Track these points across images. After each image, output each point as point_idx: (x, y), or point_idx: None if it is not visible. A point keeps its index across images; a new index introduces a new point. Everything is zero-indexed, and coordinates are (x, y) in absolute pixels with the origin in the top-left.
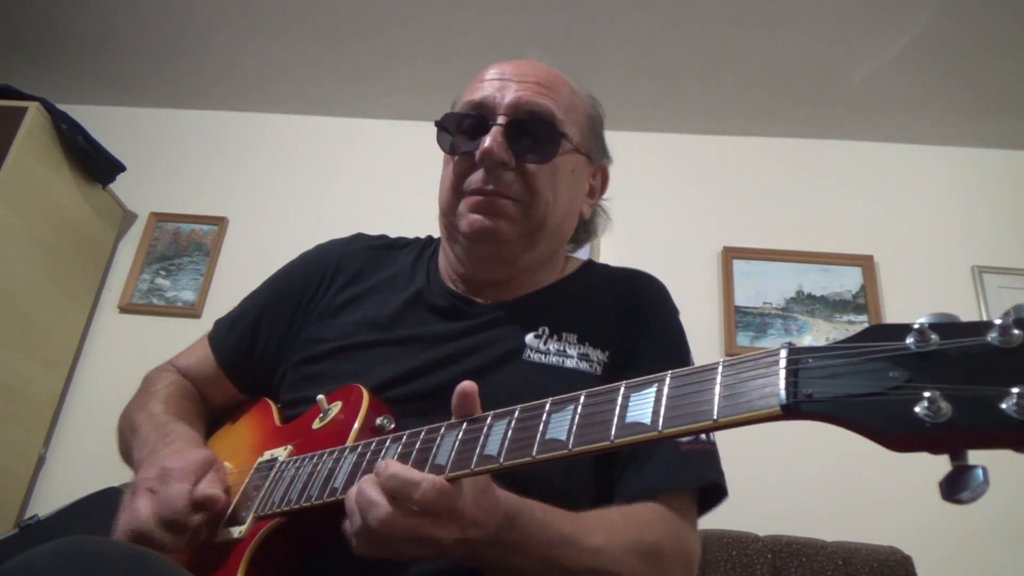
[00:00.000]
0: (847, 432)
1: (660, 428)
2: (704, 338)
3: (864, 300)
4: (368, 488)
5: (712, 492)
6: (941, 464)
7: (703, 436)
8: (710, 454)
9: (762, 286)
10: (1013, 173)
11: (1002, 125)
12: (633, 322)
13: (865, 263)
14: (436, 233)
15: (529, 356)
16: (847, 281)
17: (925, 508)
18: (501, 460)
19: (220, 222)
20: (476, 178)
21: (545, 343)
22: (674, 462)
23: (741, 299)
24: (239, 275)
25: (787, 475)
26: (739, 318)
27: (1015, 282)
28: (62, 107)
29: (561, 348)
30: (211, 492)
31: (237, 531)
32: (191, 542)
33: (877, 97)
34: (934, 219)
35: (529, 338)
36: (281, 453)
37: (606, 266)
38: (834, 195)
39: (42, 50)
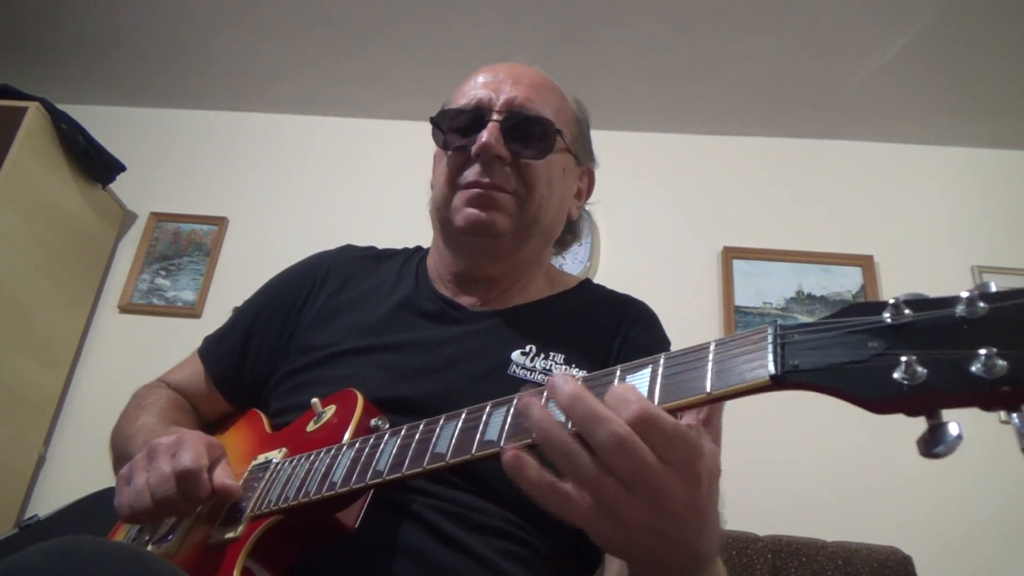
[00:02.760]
0: (846, 432)
1: (656, 405)
2: (704, 338)
3: (864, 300)
4: (589, 400)
5: None
6: (939, 465)
7: None
8: None
9: (762, 286)
10: (1013, 173)
11: (1002, 125)
12: (622, 347)
13: (865, 263)
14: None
15: (515, 372)
16: (847, 281)
17: (925, 508)
18: (502, 443)
19: (220, 222)
20: (472, 171)
21: (531, 360)
22: None
23: (741, 299)
24: (239, 275)
25: (787, 475)
26: (739, 318)
27: (1015, 282)
28: (62, 107)
29: (547, 367)
30: (229, 483)
31: (233, 531)
32: (194, 527)
33: (877, 97)
34: (934, 219)
35: (516, 354)
36: (275, 455)
37: (602, 288)
38: (834, 195)
39: (42, 50)
